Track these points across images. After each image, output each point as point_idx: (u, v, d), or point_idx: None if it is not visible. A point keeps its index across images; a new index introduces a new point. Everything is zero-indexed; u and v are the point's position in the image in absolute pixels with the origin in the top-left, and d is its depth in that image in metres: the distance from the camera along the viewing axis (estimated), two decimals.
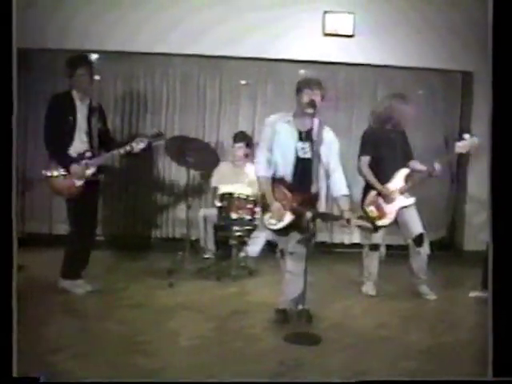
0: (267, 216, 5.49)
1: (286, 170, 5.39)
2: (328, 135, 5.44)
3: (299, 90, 5.35)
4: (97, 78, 6.23)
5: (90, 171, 6.06)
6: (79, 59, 6.17)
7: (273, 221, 5.44)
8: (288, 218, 5.39)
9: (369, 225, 5.60)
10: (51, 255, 6.76)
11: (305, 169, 5.32)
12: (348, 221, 5.27)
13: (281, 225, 5.43)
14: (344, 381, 4.24)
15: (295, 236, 5.41)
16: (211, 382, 4.11)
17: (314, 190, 5.29)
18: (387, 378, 4.38)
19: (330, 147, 5.44)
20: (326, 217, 5.49)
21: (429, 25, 8.35)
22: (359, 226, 5.68)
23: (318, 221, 5.42)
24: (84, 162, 6.02)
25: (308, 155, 5.32)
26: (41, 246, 7.57)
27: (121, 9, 8.07)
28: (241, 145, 7.96)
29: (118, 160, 8.23)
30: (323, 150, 5.35)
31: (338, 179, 5.49)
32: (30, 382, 3.65)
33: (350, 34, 8.41)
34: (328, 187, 5.48)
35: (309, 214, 5.11)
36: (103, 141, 6.30)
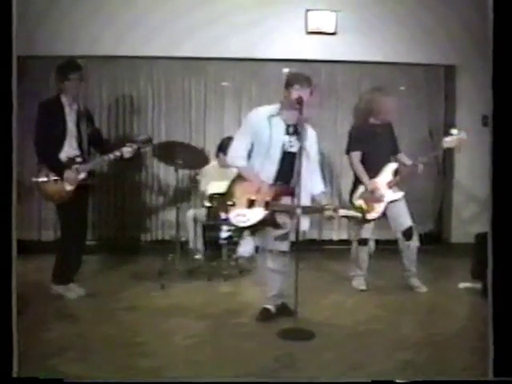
0: (234, 213, 5.39)
1: (270, 165, 5.36)
2: (310, 132, 5.51)
3: (288, 85, 5.32)
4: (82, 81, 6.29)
5: (81, 176, 6.06)
6: (70, 65, 6.17)
7: (242, 218, 5.35)
8: (258, 215, 5.34)
9: (356, 213, 5.61)
10: (41, 262, 6.81)
11: (290, 162, 5.32)
12: (335, 210, 5.29)
13: (249, 222, 5.37)
14: (341, 381, 4.25)
15: (271, 232, 5.43)
16: (211, 382, 4.13)
17: (294, 184, 5.26)
18: (383, 370, 4.42)
19: (312, 144, 5.49)
20: (312, 210, 5.47)
21: (411, 19, 8.41)
22: (345, 216, 5.68)
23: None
24: (75, 166, 6.02)
25: (294, 149, 5.31)
26: (30, 253, 7.47)
27: (106, 14, 8.12)
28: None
29: (106, 165, 8.22)
30: (307, 146, 5.36)
31: (316, 177, 5.55)
32: (30, 382, 3.66)
33: (333, 31, 8.49)
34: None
35: (298, 210, 5.13)
36: (95, 143, 6.33)
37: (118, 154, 6.15)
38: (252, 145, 5.41)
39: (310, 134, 5.49)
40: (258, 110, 5.52)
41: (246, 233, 7.41)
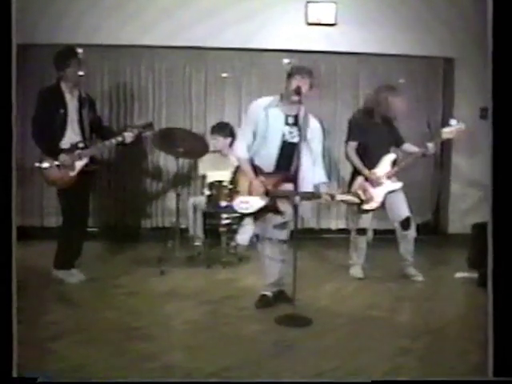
0: (238, 200, 5.51)
1: (270, 154, 5.44)
2: (313, 123, 5.55)
3: (290, 76, 5.41)
4: (83, 72, 6.31)
5: (82, 162, 6.11)
6: (68, 52, 6.17)
7: (245, 204, 5.46)
8: (260, 202, 5.42)
9: (354, 199, 5.68)
10: (44, 247, 6.87)
11: (290, 153, 5.41)
12: (332, 196, 5.37)
13: (252, 209, 5.46)
14: (341, 380, 4.28)
15: (271, 220, 5.50)
16: (211, 382, 4.15)
17: (294, 173, 5.34)
18: (380, 355, 4.49)
19: (315, 135, 5.54)
20: (310, 196, 5.49)
21: (410, 12, 8.44)
22: (343, 201, 5.74)
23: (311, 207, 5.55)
24: (77, 152, 6.06)
25: (295, 139, 5.39)
26: (33, 239, 7.47)
27: (108, 3, 8.16)
28: (216, 136, 8.02)
29: (108, 151, 8.28)
30: (309, 136, 5.45)
31: (318, 168, 5.60)
32: (29, 382, 3.69)
33: (333, 22, 8.54)
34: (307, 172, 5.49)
35: (297, 198, 5.20)
36: (97, 130, 6.36)
37: (119, 139, 6.20)
38: (254, 135, 5.48)
39: (314, 125, 5.55)
40: (256, 102, 5.60)
41: (246, 221, 7.50)
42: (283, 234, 5.54)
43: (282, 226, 5.51)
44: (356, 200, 5.67)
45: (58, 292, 5.99)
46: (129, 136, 6.22)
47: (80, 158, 6.08)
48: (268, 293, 5.69)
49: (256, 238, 5.75)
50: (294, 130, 5.42)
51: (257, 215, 5.59)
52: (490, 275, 3.58)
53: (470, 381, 3.87)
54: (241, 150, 5.56)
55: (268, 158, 5.47)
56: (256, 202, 5.43)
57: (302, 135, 5.35)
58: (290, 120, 5.45)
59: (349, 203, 5.99)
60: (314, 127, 5.54)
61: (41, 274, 6.36)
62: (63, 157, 6.02)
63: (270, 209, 5.45)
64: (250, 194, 5.44)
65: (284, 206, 5.45)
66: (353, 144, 6.67)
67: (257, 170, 5.49)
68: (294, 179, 5.31)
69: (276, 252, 5.57)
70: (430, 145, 6.58)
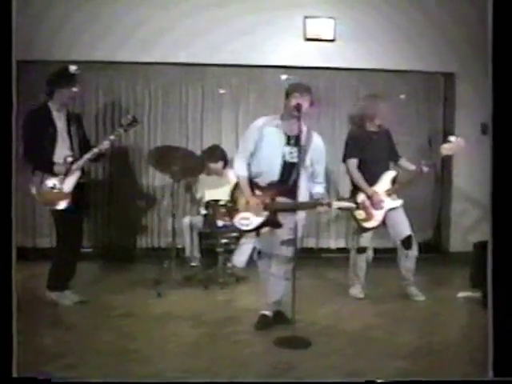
0: (238, 217, 5.49)
1: (271, 174, 5.42)
2: (317, 140, 5.54)
3: (288, 94, 5.41)
4: (76, 90, 6.27)
5: (75, 175, 6.02)
6: (63, 73, 6.15)
7: (245, 221, 5.44)
8: (259, 218, 5.41)
9: (350, 204, 5.63)
10: (36, 269, 6.77)
11: (290, 173, 5.38)
12: (329, 204, 5.30)
13: (252, 225, 5.45)
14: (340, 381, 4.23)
15: (278, 237, 5.44)
16: (211, 382, 4.09)
17: (292, 186, 5.32)
18: (380, 378, 4.37)
19: (317, 152, 5.52)
20: (307, 205, 5.44)
21: (410, 27, 8.43)
22: (340, 208, 5.69)
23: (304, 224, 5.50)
24: (67, 166, 5.97)
25: (295, 160, 5.36)
26: (25, 260, 7.36)
27: (104, 21, 8.12)
28: (212, 164, 7.92)
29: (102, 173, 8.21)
30: (310, 155, 5.45)
31: (319, 183, 5.57)
32: (30, 382, 3.66)
33: (331, 38, 8.49)
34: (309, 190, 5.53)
35: (298, 216, 5.18)
36: (85, 146, 6.24)
37: (96, 150, 6.06)
38: (252, 155, 5.49)
39: (317, 143, 5.54)
40: (257, 121, 5.61)
41: (243, 240, 7.42)
42: (290, 251, 5.44)
43: (289, 242, 5.42)
44: (352, 205, 5.69)
45: (51, 315, 5.89)
46: (103, 146, 6.10)
47: (71, 171, 5.97)
48: (268, 312, 5.61)
49: (258, 255, 5.65)
50: (295, 150, 5.40)
51: (258, 231, 5.54)
52: (490, 292, 3.53)
53: (470, 381, 3.84)
54: (240, 168, 5.54)
55: (268, 176, 5.44)
56: (256, 219, 5.41)
57: (302, 156, 5.35)
58: (291, 140, 5.44)
59: (345, 209, 5.95)
60: (317, 145, 5.54)
61: (34, 296, 6.23)
62: (58, 167, 5.93)
63: (271, 223, 5.42)
64: (247, 210, 5.42)
65: (286, 219, 5.39)
66: (353, 161, 6.58)
67: (254, 186, 5.48)
68: (291, 192, 5.29)
69: (281, 269, 5.48)
70: (425, 167, 6.50)
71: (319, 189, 5.56)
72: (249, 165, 5.51)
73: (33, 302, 6.07)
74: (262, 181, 5.46)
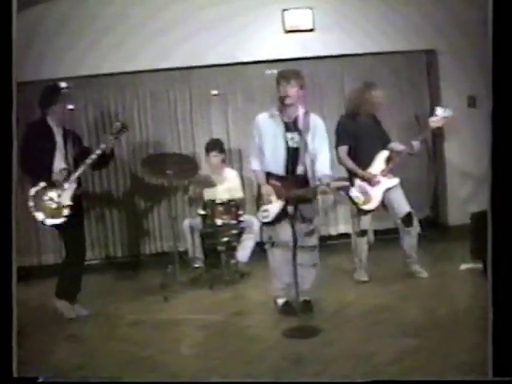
0: (260, 211, 5.69)
1: (278, 162, 5.59)
2: (314, 119, 5.65)
3: (277, 83, 5.54)
4: (70, 106, 6.31)
5: (72, 186, 6.03)
6: (53, 90, 6.19)
7: (265, 213, 5.62)
8: (276, 208, 5.57)
9: (345, 182, 5.80)
10: (43, 286, 6.85)
11: (295, 158, 5.55)
12: (328, 184, 5.34)
13: (272, 216, 5.59)
14: (347, 380, 4.25)
15: (301, 228, 5.59)
16: (211, 382, 4.13)
17: (302, 175, 5.56)
18: (392, 356, 4.44)
19: (316, 131, 5.60)
20: (308, 191, 5.54)
21: (387, 8, 8.49)
22: (338, 189, 5.76)
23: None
24: (64, 177, 6.01)
25: (297, 144, 5.53)
26: (31, 279, 7.33)
27: (89, 36, 8.22)
28: (215, 153, 7.96)
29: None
30: (310, 136, 5.55)
31: (322, 160, 5.58)
32: (30, 382, 3.70)
33: (311, 28, 8.56)
34: (313, 171, 5.59)
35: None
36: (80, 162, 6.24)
37: (88, 161, 6.07)
38: (261, 148, 5.67)
39: (315, 122, 5.65)
40: (257, 116, 5.77)
41: (244, 236, 7.48)
42: (313, 240, 5.72)
43: (311, 232, 5.68)
44: (347, 183, 5.83)
45: (61, 329, 5.89)
46: (104, 146, 6.12)
47: (68, 182, 5.99)
48: (288, 298, 5.76)
49: (271, 244, 5.79)
50: (295, 135, 5.55)
51: (276, 221, 5.66)
52: (490, 270, 3.55)
53: (470, 381, 3.84)
54: (254, 164, 5.79)
55: (277, 165, 5.61)
56: (274, 209, 5.58)
57: (303, 138, 5.51)
58: (290, 126, 5.58)
59: (341, 189, 6.06)
60: (315, 124, 5.64)
61: (44, 313, 6.27)
62: (56, 175, 5.97)
63: (286, 212, 5.46)
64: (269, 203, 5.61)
65: (303, 208, 5.57)
66: (344, 148, 6.64)
67: (269, 177, 5.67)
68: (299, 180, 5.55)
69: (307, 258, 5.68)
70: (415, 143, 6.57)
71: (324, 168, 5.56)
72: (262, 158, 5.69)
73: (43, 319, 6.12)
74: (273, 170, 5.62)
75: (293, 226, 5.34)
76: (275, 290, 5.84)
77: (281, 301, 5.80)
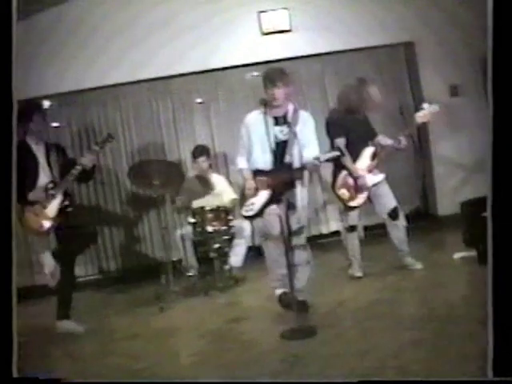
0: (244, 208, 5.69)
1: (266, 156, 5.58)
2: (303, 114, 5.67)
3: (264, 86, 5.56)
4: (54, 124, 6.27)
5: (57, 200, 6.01)
6: (30, 107, 6.16)
7: (250, 206, 5.60)
8: (261, 198, 5.58)
9: (335, 153, 5.68)
10: (39, 306, 6.87)
11: (283, 149, 5.54)
12: (318, 159, 5.28)
13: (257, 207, 5.59)
14: (345, 380, 4.23)
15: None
16: (211, 382, 4.11)
17: (289, 164, 5.51)
18: (392, 351, 4.42)
19: (305, 124, 5.61)
20: (300, 170, 5.54)
21: (362, 3, 8.57)
22: (328, 160, 5.69)
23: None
24: (49, 192, 5.98)
25: (286, 137, 5.53)
26: (27, 299, 7.27)
27: (67, 53, 8.23)
28: (203, 158, 7.96)
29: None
30: (298, 129, 5.52)
31: (311, 151, 5.51)
32: (30, 381, 3.69)
33: (288, 28, 8.57)
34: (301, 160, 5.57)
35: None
36: (65, 174, 6.17)
37: (74, 172, 6.00)
38: (249, 146, 5.66)
39: (304, 116, 5.65)
40: (246, 116, 5.78)
41: (235, 241, 7.47)
42: (301, 239, 5.65)
43: (299, 230, 5.60)
44: (337, 153, 5.68)
45: (61, 346, 5.82)
46: (85, 159, 6.08)
47: (53, 196, 5.97)
48: (284, 289, 5.67)
49: (264, 240, 5.77)
50: (284, 127, 5.56)
51: (261, 213, 5.64)
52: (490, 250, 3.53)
53: (470, 381, 3.83)
54: (240, 163, 5.79)
55: (265, 159, 5.60)
56: (260, 199, 5.59)
57: (292, 130, 5.48)
58: (280, 120, 5.59)
59: (331, 160, 5.90)
60: (304, 118, 5.64)
61: (43, 332, 6.21)
62: (35, 193, 5.95)
63: (273, 200, 5.51)
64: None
65: (287, 196, 5.47)
66: (341, 140, 6.47)
67: (256, 174, 5.65)
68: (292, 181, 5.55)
69: (301, 256, 5.66)
70: (402, 138, 6.55)
71: (314, 151, 5.52)
72: (249, 156, 5.68)
73: (42, 338, 6.06)
74: (260, 166, 5.62)
75: (282, 216, 5.31)
76: (272, 281, 5.82)
77: (278, 291, 5.76)
